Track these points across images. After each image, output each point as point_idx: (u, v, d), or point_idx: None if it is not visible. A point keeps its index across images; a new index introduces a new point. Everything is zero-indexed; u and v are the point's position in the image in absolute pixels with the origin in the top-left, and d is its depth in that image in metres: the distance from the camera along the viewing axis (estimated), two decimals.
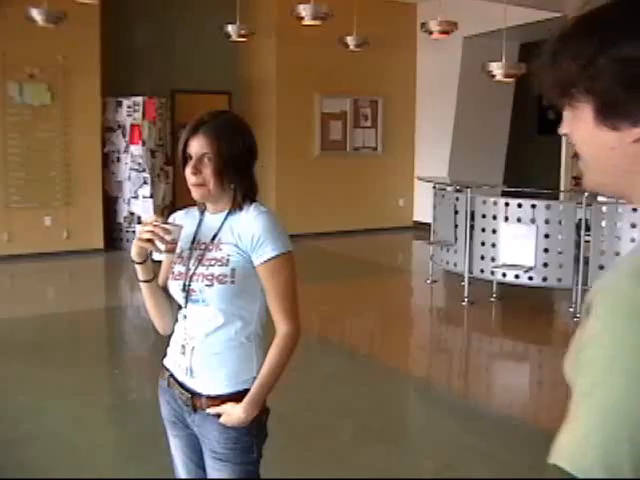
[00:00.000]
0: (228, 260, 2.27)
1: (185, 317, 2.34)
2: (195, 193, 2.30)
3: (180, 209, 2.54)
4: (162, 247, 2.25)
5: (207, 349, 2.31)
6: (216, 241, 2.32)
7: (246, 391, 2.28)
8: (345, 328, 7.59)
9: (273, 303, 2.28)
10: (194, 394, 2.32)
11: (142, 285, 2.39)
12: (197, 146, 2.25)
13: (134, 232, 10.60)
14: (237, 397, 2.27)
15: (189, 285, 2.30)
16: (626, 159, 1.06)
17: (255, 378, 2.29)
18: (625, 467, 0.89)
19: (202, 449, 2.40)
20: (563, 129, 1.14)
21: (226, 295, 2.26)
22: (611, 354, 0.94)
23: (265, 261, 2.25)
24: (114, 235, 10.84)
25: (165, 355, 2.49)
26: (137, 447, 4.41)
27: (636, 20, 0.99)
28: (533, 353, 6.89)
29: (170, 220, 2.42)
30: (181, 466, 2.50)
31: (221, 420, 2.28)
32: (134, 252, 2.31)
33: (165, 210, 9.97)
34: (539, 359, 6.77)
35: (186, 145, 2.26)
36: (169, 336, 2.47)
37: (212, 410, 2.29)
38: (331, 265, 10.47)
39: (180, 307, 2.39)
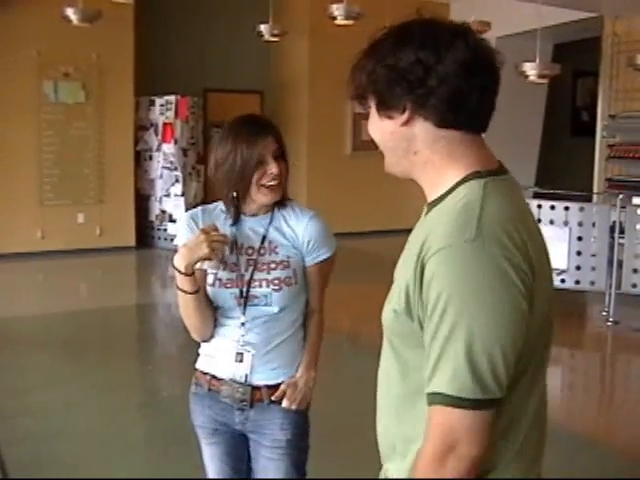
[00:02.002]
0: (289, 262, 2.31)
1: (243, 324, 2.30)
2: (272, 194, 2.29)
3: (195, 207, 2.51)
4: (220, 255, 2.25)
5: (266, 345, 2.32)
6: (266, 244, 2.32)
7: None
8: (375, 329, 7.56)
9: (315, 294, 2.42)
10: (253, 388, 2.34)
11: (189, 297, 2.25)
12: (271, 146, 2.26)
13: (165, 230, 10.66)
14: None
15: (248, 291, 2.28)
16: (403, 141, 1.44)
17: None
18: (489, 380, 1.26)
19: (250, 448, 2.42)
20: (368, 129, 1.51)
21: (292, 296, 2.32)
22: (455, 303, 1.26)
23: (319, 262, 2.36)
24: (146, 233, 10.92)
25: (196, 360, 2.46)
26: (169, 444, 4.42)
27: (395, 42, 1.41)
28: (565, 357, 6.82)
29: (193, 222, 2.36)
30: (215, 474, 2.49)
31: (284, 405, 2.34)
32: (187, 263, 2.19)
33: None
34: (571, 363, 6.70)
35: (262, 148, 2.24)
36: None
37: (278, 394, 2.34)
38: (363, 265, 10.44)
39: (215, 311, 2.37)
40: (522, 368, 1.34)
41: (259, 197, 2.28)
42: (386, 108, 1.43)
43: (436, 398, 1.30)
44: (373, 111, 1.47)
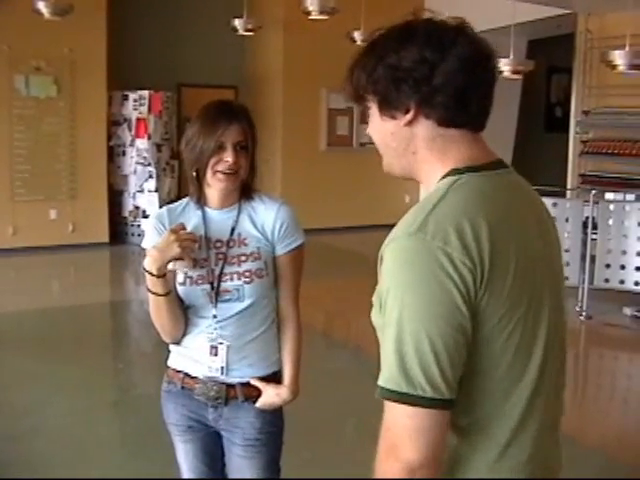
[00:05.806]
0: (259, 254, 2.29)
1: (215, 317, 2.28)
2: (226, 182, 2.26)
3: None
4: (191, 254, 2.23)
5: (240, 341, 2.30)
6: (236, 236, 2.30)
7: (273, 374, 2.36)
8: (350, 325, 7.57)
9: (287, 289, 2.37)
10: (227, 385, 2.32)
11: (161, 300, 2.23)
12: (234, 135, 2.24)
13: (139, 226, 10.58)
14: (267, 380, 2.35)
15: (218, 286, 2.27)
16: (403, 140, 1.42)
17: (278, 359, 2.38)
18: (416, 373, 1.23)
19: (224, 446, 2.40)
20: (368, 130, 1.50)
21: (264, 288, 2.30)
22: (394, 294, 1.27)
23: (290, 250, 2.33)
24: (119, 229, 10.82)
25: (167, 358, 2.44)
26: (141, 443, 4.40)
27: (398, 41, 1.39)
28: None
29: (160, 223, 2.36)
30: (190, 472, 2.46)
31: (259, 404, 2.32)
32: (159, 265, 2.18)
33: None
34: None
35: (220, 134, 2.22)
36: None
37: (257, 383, 2.32)
38: (336, 261, 10.44)
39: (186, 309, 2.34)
40: (484, 372, 1.33)
41: (214, 182, 2.27)
42: (389, 108, 1.41)
43: (377, 391, 1.29)
44: (374, 111, 1.45)
